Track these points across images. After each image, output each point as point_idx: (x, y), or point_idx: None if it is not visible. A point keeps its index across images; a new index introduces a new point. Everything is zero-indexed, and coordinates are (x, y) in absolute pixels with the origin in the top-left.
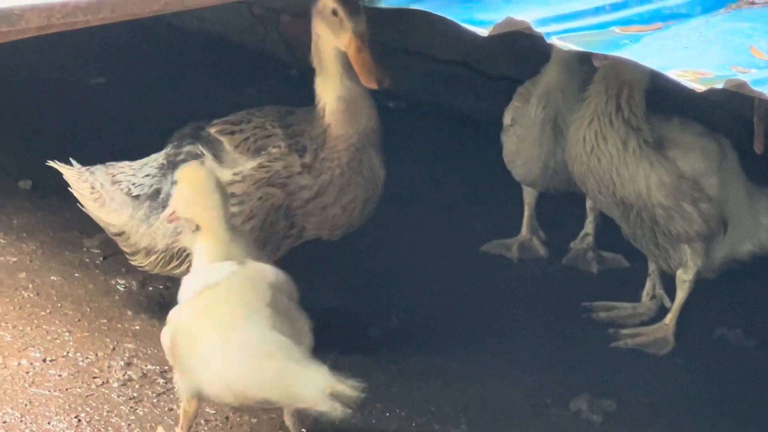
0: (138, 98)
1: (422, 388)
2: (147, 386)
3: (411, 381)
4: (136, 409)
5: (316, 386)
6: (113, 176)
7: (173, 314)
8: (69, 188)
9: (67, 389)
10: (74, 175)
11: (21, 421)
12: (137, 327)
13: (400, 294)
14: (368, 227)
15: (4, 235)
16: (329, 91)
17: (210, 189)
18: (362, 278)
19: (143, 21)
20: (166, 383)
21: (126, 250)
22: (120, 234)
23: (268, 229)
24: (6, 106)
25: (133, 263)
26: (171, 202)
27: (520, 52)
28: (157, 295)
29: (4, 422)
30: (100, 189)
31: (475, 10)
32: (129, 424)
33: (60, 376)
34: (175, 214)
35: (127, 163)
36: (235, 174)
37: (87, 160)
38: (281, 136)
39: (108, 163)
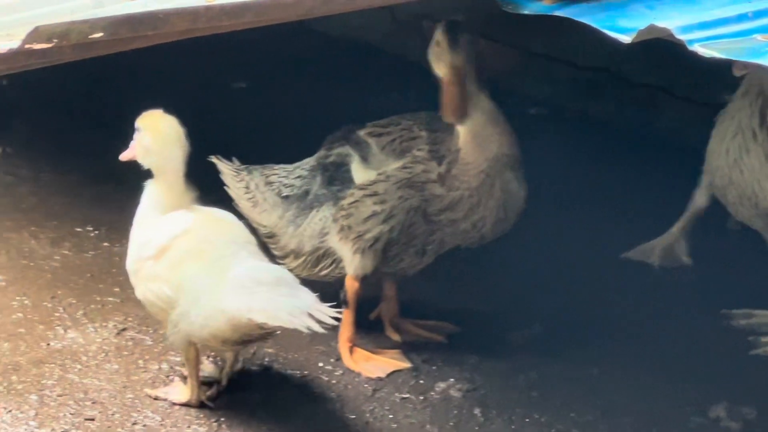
0: (278, 103)
1: (562, 394)
2: (286, 389)
3: (551, 387)
4: (277, 413)
5: (300, 307)
6: (267, 177)
7: (149, 269)
8: (225, 187)
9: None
10: (231, 174)
11: (161, 424)
12: (277, 332)
13: (542, 300)
14: (511, 233)
15: None
16: None
17: (171, 140)
18: (504, 284)
19: (285, 26)
20: (304, 380)
21: (276, 253)
22: (270, 236)
23: (407, 231)
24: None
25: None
26: (131, 145)
27: (661, 59)
28: None
29: (145, 426)
30: (254, 189)
31: (617, 16)
32: (268, 428)
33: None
34: (130, 157)
35: (282, 165)
36: (379, 174)
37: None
38: (425, 140)
39: (266, 165)
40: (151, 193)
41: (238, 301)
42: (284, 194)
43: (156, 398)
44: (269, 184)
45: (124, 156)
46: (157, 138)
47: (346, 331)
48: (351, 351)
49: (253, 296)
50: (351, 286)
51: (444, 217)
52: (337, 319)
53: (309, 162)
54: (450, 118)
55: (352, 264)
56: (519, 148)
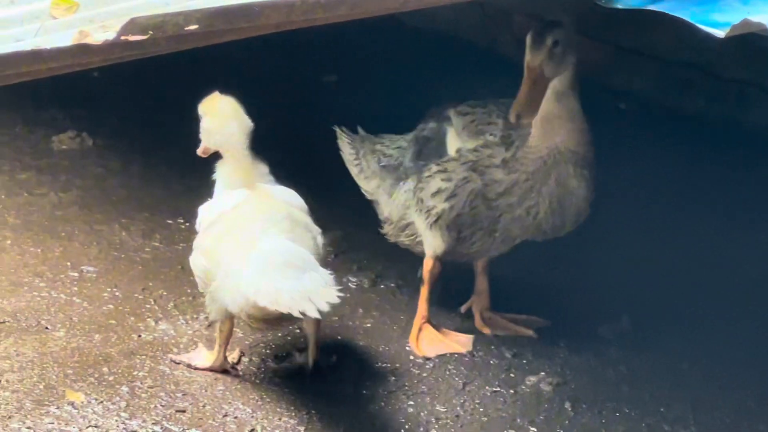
0: (368, 97)
1: (652, 389)
2: (376, 382)
3: (641, 381)
4: (368, 406)
5: (301, 291)
6: (374, 146)
7: (198, 240)
8: (340, 152)
9: (298, 386)
10: (346, 141)
11: (252, 416)
12: (368, 325)
13: (631, 295)
14: (598, 227)
15: None
16: None
17: (227, 117)
18: (593, 278)
19: (375, 20)
20: (394, 373)
21: (379, 217)
22: (374, 202)
23: (471, 213)
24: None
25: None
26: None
27: (752, 54)
28: (389, 294)
29: (236, 417)
30: (361, 157)
31: (711, 11)
32: (359, 420)
33: (291, 372)
34: (204, 148)
35: (390, 135)
36: (456, 152)
37: (313, 157)
38: (500, 127)
39: (378, 134)
40: (220, 172)
41: (248, 282)
42: (383, 163)
43: (179, 363)
44: (373, 152)
45: (199, 151)
46: (214, 118)
47: (420, 309)
48: (421, 328)
49: (261, 278)
50: (427, 264)
51: (502, 201)
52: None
53: (409, 135)
54: (512, 115)
55: (426, 241)
56: (592, 150)
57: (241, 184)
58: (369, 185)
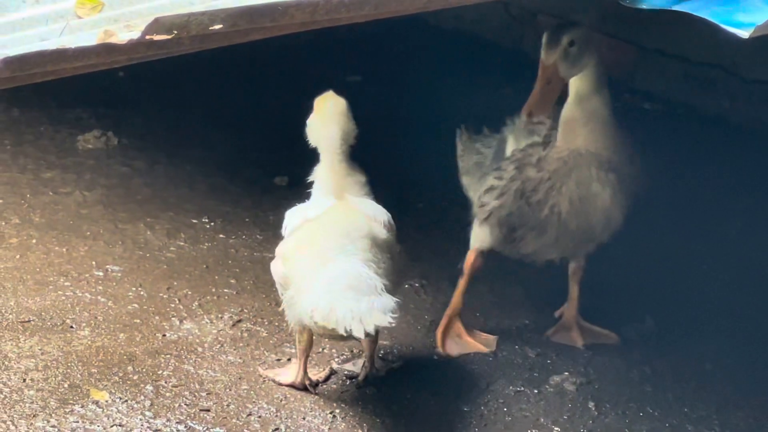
0: (392, 97)
1: (675, 389)
2: (400, 382)
3: (664, 382)
4: (391, 406)
5: (354, 312)
6: (474, 144)
7: (280, 246)
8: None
9: (322, 386)
10: (460, 138)
11: (276, 415)
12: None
13: (655, 295)
14: (623, 227)
15: (261, 231)
16: None
17: (330, 118)
18: (617, 279)
19: (399, 19)
20: (419, 373)
21: None
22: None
23: (517, 214)
24: (263, 103)
25: None
26: None
27: None
28: (413, 293)
29: (260, 416)
30: (464, 153)
31: (735, 11)
32: (383, 420)
33: (317, 372)
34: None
35: (489, 134)
36: (511, 152)
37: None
38: (547, 126)
39: (484, 132)
40: (316, 174)
41: (311, 298)
42: (474, 161)
43: (266, 378)
44: (471, 150)
45: None
46: (318, 116)
47: (454, 301)
48: (450, 321)
49: (323, 296)
50: (469, 257)
51: (533, 199)
52: (376, 332)
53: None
54: (524, 112)
55: (474, 235)
56: (623, 154)
57: (331, 191)
58: (464, 181)
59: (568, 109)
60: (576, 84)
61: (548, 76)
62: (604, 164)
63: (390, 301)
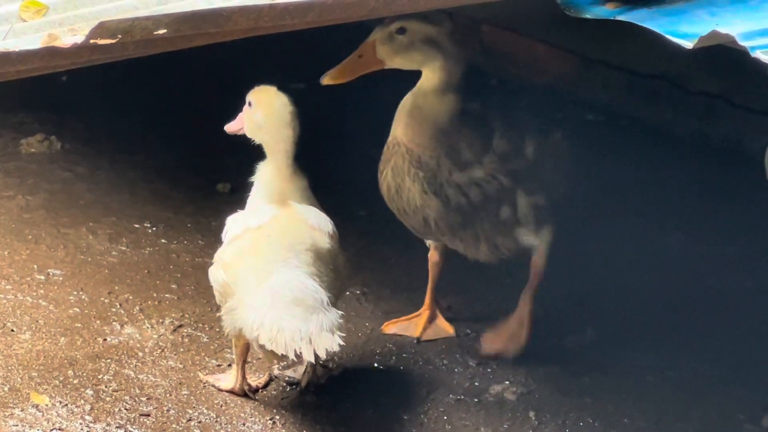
0: (336, 104)
1: (616, 400)
2: (338, 389)
3: (605, 392)
4: (331, 414)
5: (302, 333)
6: None
7: (219, 252)
8: None
9: (262, 393)
10: None
11: (216, 421)
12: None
13: (596, 306)
14: (563, 238)
15: (203, 237)
16: None
17: (282, 118)
18: (559, 289)
19: (344, 26)
20: (357, 381)
21: None
22: None
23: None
24: (206, 109)
25: None
26: (238, 118)
27: (720, 67)
28: (354, 300)
29: (200, 422)
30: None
31: (679, 22)
32: (323, 428)
33: (257, 379)
34: (237, 129)
35: None
36: None
37: None
38: None
39: None
40: (260, 175)
41: (254, 316)
42: None
43: (206, 383)
44: None
45: (229, 127)
46: (270, 115)
47: (427, 296)
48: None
49: (267, 313)
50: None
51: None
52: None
53: None
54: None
55: None
56: (442, 159)
57: (275, 196)
58: None
59: (405, 98)
60: (422, 77)
61: (364, 50)
62: (415, 162)
63: (336, 316)
